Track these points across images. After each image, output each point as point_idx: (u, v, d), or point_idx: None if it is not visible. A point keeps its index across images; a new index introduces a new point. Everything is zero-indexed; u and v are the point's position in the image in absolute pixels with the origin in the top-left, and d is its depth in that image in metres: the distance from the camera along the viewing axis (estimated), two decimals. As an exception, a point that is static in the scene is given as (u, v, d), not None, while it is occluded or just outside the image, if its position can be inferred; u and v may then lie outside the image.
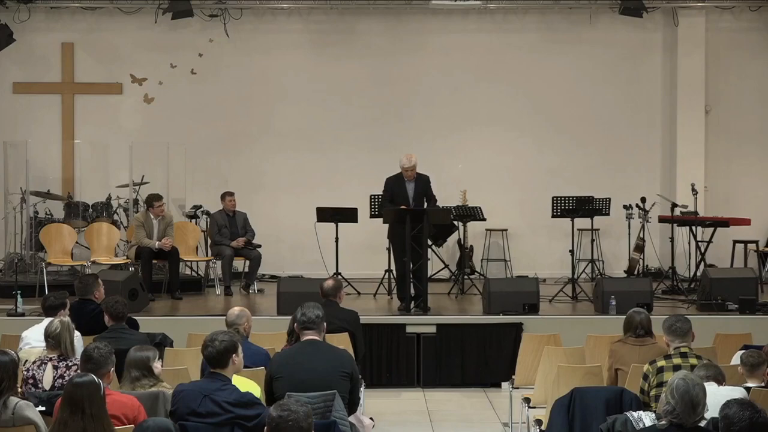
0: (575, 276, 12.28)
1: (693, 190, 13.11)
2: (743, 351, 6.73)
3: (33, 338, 7.41)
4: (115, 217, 13.65)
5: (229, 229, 12.73)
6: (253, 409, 5.31)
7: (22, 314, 10.48)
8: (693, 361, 6.24)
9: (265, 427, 4.23)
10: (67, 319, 6.55)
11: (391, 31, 14.80)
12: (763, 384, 6.28)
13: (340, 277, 11.28)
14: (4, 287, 11.88)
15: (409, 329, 10.61)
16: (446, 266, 13.78)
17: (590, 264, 12.97)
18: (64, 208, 13.59)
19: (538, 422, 6.80)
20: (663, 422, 4.70)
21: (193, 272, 13.66)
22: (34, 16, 14.51)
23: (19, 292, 10.69)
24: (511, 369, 8.83)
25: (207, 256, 13.48)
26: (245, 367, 6.41)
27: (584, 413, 6.21)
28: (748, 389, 5.91)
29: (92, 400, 4.80)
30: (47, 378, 6.13)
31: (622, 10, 13.92)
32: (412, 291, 11.05)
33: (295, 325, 6.31)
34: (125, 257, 12.56)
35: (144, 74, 14.76)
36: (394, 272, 11.64)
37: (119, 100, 14.80)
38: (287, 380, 5.88)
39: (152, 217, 12.22)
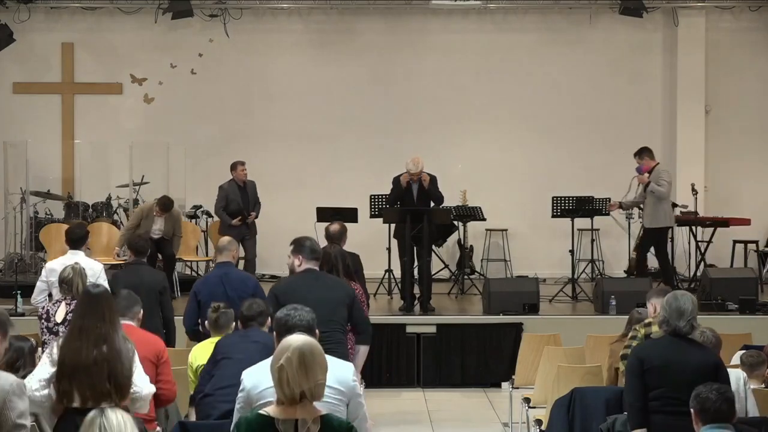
0: (575, 276, 12.28)
1: (693, 190, 13.10)
2: (743, 351, 6.74)
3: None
4: (115, 217, 13.65)
5: (241, 202, 12.30)
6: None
7: (22, 314, 10.47)
8: None
9: (274, 332, 4.49)
10: (79, 265, 7.06)
11: (391, 31, 14.80)
12: (762, 385, 6.28)
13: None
14: (4, 287, 11.87)
15: (409, 329, 10.63)
16: (446, 266, 13.77)
17: (590, 264, 12.97)
18: (64, 208, 13.60)
19: (538, 422, 6.82)
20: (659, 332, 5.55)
21: (193, 272, 13.66)
22: (34, 16, 14.51)
23: (19, 292, 10.69)
24: (511, 369, 8.84)
25: (207, 256, 13.47)
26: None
27: (584, 413, 6.23)
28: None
29: (110, 308, 5.03)
30: (60, 313, 6.74)
31: (622, 10, 13.92)
32: (416, 291, 11.08)
33: (301, 255, 6.54)
34: (125, 258, 12.51)
35: (144, 74, 14.76)
36: (396, 272, 11.68)
37: (119, 100, 14.80)
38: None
39: (155, 214, 12.09)
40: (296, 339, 3.78)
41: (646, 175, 11.89)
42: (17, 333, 8.29)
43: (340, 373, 4.36)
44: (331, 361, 4.50)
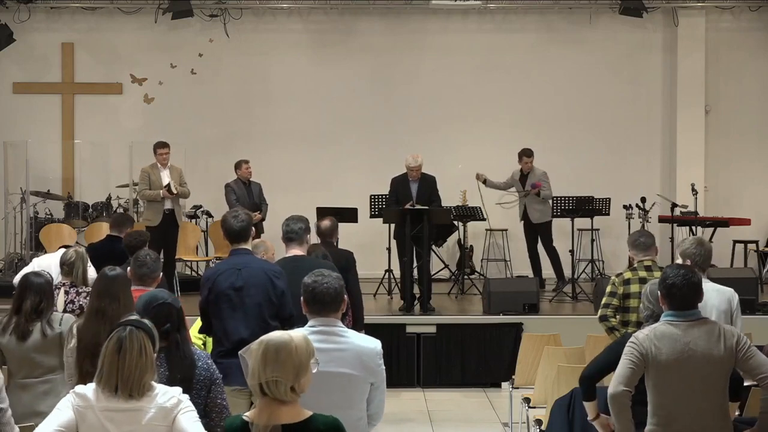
0: (575, 276, 12.28)
1: (693, 190, 13.11)
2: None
3: (42, 266, 7.71)
4: (115, 217, 13.62)
5: (248, 199, 12.30)
6: (282, 280, 5.86)
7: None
8: (657, 273, 6.47)
9: (302, 296, 4.49)
10: (83, 249, 7.01)
11: (390, 30, 14.80)
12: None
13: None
14: (4, 287, 11.85)
15: (409, 329, 10.62)
16: (446, 266, 13.77)
17: (590, 264, 12.98)
18: (64, 208, 13.60)
19: (538, 422, 6.81)
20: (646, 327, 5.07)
21: (193, 272, 13.66)
22: (34, 16, 14.52)
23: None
24: (511, 369, 8.82)
25: (207, 256, 13.46)
26: None
27: (584, 413, 6.19)
28: (748, 388, 5.89)
29: (125, 291, 5.33)
30: (60, 302, 6.51)
31: (622, 10, 13.93)
32: (416, 291, 11.08)
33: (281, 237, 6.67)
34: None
35: (144, 74, 14.76)
36: (396, 272, 11.68)
37: (119, 100, 14.80)
38: None
39: (159, 167, 11.89)
40: (275, 335, 3.73)
41: (539, 188, 12.47)
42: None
43: (366, 354, 4.46)
44: (357, 337, 4.57)
